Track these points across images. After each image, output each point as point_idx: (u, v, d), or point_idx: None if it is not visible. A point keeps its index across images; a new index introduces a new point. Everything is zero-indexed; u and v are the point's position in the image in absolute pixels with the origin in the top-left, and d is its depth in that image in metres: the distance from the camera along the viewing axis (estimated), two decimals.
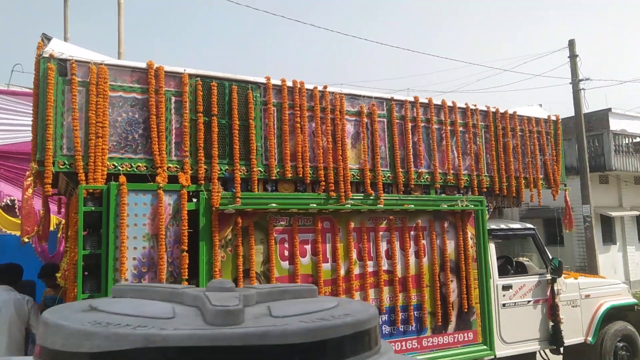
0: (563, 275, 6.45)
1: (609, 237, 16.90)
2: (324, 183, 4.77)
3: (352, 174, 4.95)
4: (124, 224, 3.87)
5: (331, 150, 4.84)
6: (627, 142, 16.57)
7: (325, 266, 4.73)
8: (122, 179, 3.94)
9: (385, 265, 5.00)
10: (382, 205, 4.97)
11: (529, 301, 5.96)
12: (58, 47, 4.09)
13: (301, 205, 4.64)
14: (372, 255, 4.96)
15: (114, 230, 3.85)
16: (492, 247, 5.87)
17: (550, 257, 6.22)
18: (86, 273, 3.82)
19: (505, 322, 5.73)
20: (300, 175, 4.69)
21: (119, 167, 4.06)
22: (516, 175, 5.97)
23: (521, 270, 6.40)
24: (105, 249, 3.83)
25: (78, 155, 3.90)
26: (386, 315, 4.95)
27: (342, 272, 4.78)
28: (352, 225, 4.90)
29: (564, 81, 14.99)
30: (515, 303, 5.86)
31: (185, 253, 4.04)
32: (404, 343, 5.01)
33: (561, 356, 6.61)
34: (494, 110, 5.91)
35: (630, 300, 6.75)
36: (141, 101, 4.19)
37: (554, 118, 6.40)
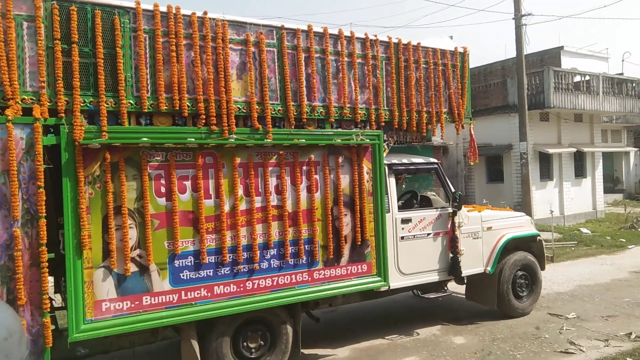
0: (467, 209, 6.57)
1: (546, 174, 17.38)
2: (204, 116, 4.57)
3: (238, 107, 4.76)
4: None
5: (212, 82, 4.61)
6: (568, 80, 16.73)
7: (208, 202, 4.62)
8: None
9: (274, 201, 4.93)
10: (270, 140, 4.83)
11: (428, 234, 6.06)
12: None
13: (178, 140, 4.45)
14: (260, 190, 4.87)
15: None
16: (391, 182, 5.87)
17: (453, 190, 6.27)
18: None
19: (403, 254, 5.83)
20: (177, 108, 4.47)
21: None
22: (418, 109, 5.88)
23: (426, 204, 6.46)
24: None
25: None
26: (275, 250, 4.93)
27: (226, 208, 4.69)
28: (238, 160, 4.76)
29: (509, 16, 14.77)
30: (414, 236, 5.95)
31: (41, 189, 3.84)
32: (294, 276, 5.03)
33: (464, 286, 6.85)
34: (396, 41, 5.72)
35: (532, 231, 6.96)
36: None
37: (461, 50, 6.27)
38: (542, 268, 7.03)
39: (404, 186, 6.98)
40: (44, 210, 3.86)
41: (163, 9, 4.44)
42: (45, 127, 3.98)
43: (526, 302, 6.80)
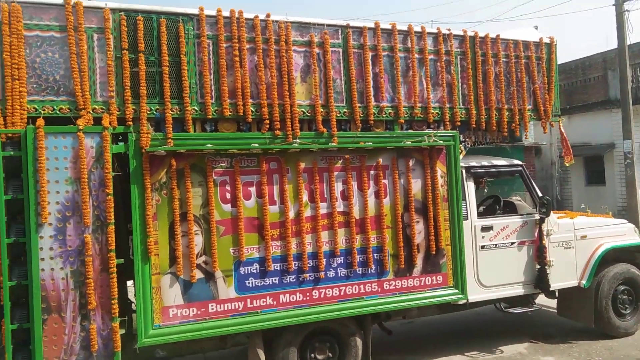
0: (556, 215, 5.98)
1: None
2: (268, 121, 4.49)
3: (302, 111, 4.63)
4: (43, 168, 3.79)
5: (276, 85, 4.52)
6: None
7: (273, 209, 4.52)
8: (40, 122, 3.83)
9: (340, 207, 4.73)
10: (335, 144, 4.65)
11: (512, 243, 5.56)
12: None
13: (242, 146, 4.39)
14: (325, 196, 4.70)
15: (33, 174, 3.78)
16: (469, 186, 5.45)
17: (540, 195, 5.71)
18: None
19: (483, 265, 5.39)
20: (241, 114, 4.43)
21: (40, 110, 3.94)
22: (498, 107, 5.43)
23: (510, 210, 5.95)
24: (26, 194, 3.78)
25: None
26: (342, 258, 4.73)
27: (291, 214, 4.57)
28: (302, 165, 4.63)
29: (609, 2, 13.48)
30: (496, 245, 5.48)
31: (110, 196, 3.93)
32: (362, 286, 4.80)
33: (556, 300, 6.22)
34: (471, 34, 5.32)
35: (636, 241, 6.17)
36: (60, 40, 4.00)
37: (547, 40, 5.72)
38: None
39: (485, 191, 6.50)
40: (113, 217, 3.95)
41: (226, 13, 4.42)
42: (114, 136, 4.09)
43: (630, 320, 6.03)
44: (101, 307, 3.90)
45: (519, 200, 6.19)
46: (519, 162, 5.81)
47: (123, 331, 4.05)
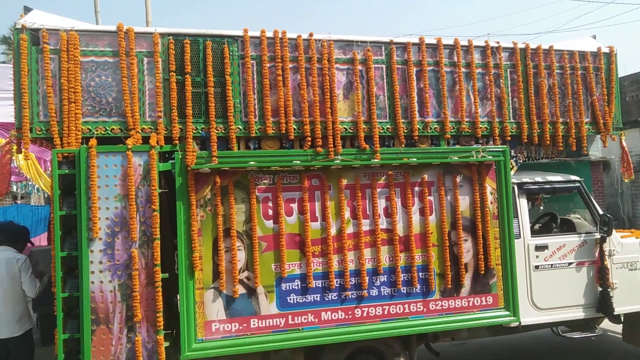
0: (620, 234, 5.60)
1: None
2: (310, 139, 4.52)
3: (344, 128, 4.62)
4: (95, 185, 3.99)
5: (318, 103, 4.55)
6: None
7: (314, 225, 4.52)
8: (92, 142, 4.05)
9: (383, 224, 4.66)
10: (377, 160, 4.60)
11: (570, 263, 5.25)
12: (37, 18, 4.24)
13: (283, 163, 4.44)
14: (367, 213, 4.64)
15: (85, 191, 3.99)
16: (522, 203, 5.22)
17: (601, 212, 5.38)
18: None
19: (538, 286, 5.13)
20: (283, 131, 4.48)
21: (94, 131, 4.16)
22: (552, 121, 5.18)
23: (568, 228, 5.64)
24: (79, 210, 3.99)
25: (53, 121, 4.06)
26: (385, 276, 4.64)
27: (332, 231, 4.54)
28: (345, 182, 4.61)
29: None
30: (551, 265, 5.19)
31: (156, 213, 4.08)
32: (407, 306, 4.68)
33: (621, 326, 5.80)
34: (522, 46, 5.14)
35: None
36: (113, 64, 4.23)
37: (606, 50, 5.42)
38: None
39: (541, 208, 6.20)
40: (159, 233, 4.08)
41: (269, 34, 4.52)
42: (161, 154, 4.25)
43: None
44: (146, 320, 4.03)
45: (578, 218, 5.86)
46: (577, 178, 5.50)
47: (167, 344, 4.15)
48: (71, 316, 3.97)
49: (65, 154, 4.03)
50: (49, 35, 4.12)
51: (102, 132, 4.18)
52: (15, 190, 15.75)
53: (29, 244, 5.24)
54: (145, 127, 4.25)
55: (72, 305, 3.96)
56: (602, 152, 14.49)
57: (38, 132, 4.08)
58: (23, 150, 4.04)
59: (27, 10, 4.31)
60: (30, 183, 8.85)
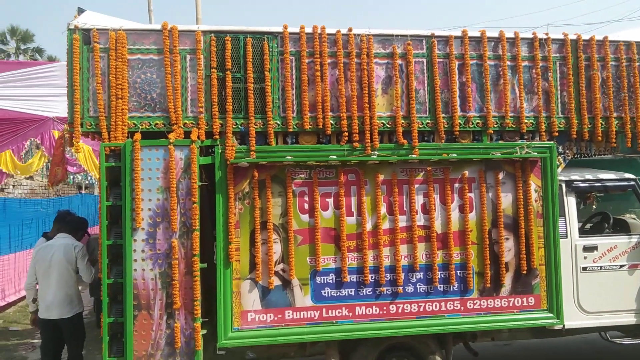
0: None
1: None
2: (347, 133, 4.53)
3: (382, 123, 4.59)
4: (138, 178, 4.18)
5: (356, 98, 4.54)
6: None
7: (350, 220, 4.54)
8: (137, 136, 4.24)
9: (420, 220, 4.61)
10: (416, 155, 4.55)
11: (621, 265, 4.99)
12: (89, 19, 4.48)
13: (320, 158, 4.47)
14: (405, 209, 4.60)
15: (130, 183, 4.19)
16: (570, 201, 5.00)
17: None
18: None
19: (585, 288, 4.91)
20: (321, 127, 4.51)
21: (139, 125, 4.36)
22: (605, 115, 4.92)
23: (621, 229, 5.35)
24: (124, 200, 4.20)
25: (102, 116, 4.29)
26: (421, 273, 4.60)
27: (368, 226, 4.54)
28: (381, 177, 4.59)
29: None
30: (601, 267, 4.96)
31: (195, 205, 4.22)
32: (443, 304, 4.61)
33: None
34: (573, 37, 4.90)
35: None
36: (158, 62, 4.40)
37: None
38: None
39: (594, 207, 5.91)
40: (198, 224, 4.23)
41: (309, 30, 4.55)
42: (202, 148, 4.39)
43: None
44: (185, 308, 4.19)
45: (634, 219, 5.54)
46: (631, 176, 5.20)
47: (205, 331, 4.31)
48: (116, 301, 4.19)
49: (112, 148, 4.25)
50: (99, 35, 4.34)
51: (147, 127, 4.36)
52: (80, 180, 16.79)
53: (86, 235, 5.57)
54: (187, 122, 4.41)
55: (117, 291, 4.19)
56: None
57: (88, 127, 4.32)
58: (74, 143, 4.28)
59: (80, 11, 4.56)
60: (90, 174, 9.38)
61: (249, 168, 4.42)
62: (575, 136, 4.89)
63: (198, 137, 4.33)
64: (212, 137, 4.42)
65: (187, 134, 4.38)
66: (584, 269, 4.93)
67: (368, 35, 4.62)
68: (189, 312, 4.20)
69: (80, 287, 5.27)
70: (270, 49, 4.50)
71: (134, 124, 4.35)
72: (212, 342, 4.50)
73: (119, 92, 4.29)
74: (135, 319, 4.12)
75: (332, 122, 4.53)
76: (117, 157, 4.25)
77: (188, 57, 4.44)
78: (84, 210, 12.76)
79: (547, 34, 4.88)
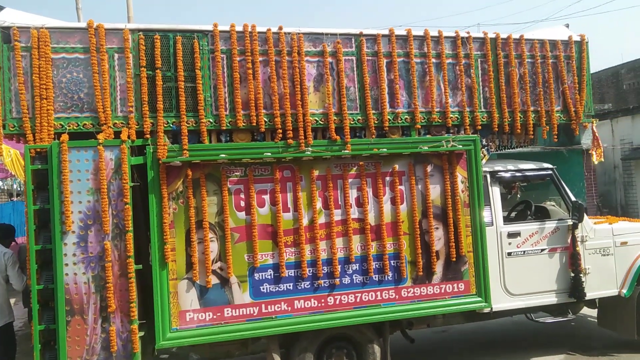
0: (593, 221, 5.69)
1: None
2: (281, 131, 4.60)
3: (315, 119, 4.70)
4: (67, 180, 4.08)
5: (289, 96, 4.62)
6: None
7: (286, 216, 4.61)
8: (64, 137, 4.13)
9: (355, 214, 4.75)
10: (348, 151, 4.68)
11: (542, 249, 5.34)
12: (9, 17, 4.31)
13: (255, 155, 4.52)
14: (339, 203, 4.73)
15: (58, 185, 4.07)
16: (494, 191, 5.30)
17: (573, 199, 5.46)
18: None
19: (510, 272, 5.22)
20: (254, 124, 4.56)
21: (66, 126, 4.24)
22: (523, 109, 5.25)
23: (542, 216, 5.72)
24: (52, 204, 4.08)
25: (25, 118, 4.15)
26: (357, 265, 4.74)
27: (304, 221, 4.63)
28: (316, 173, 4.69)
29: None
30: (524, 252, 5.29)
31: (128, 206, 4.17)
32: (379, 293, 4.77)
33: (596, 310, 5.91)
34: (492, 36, 5.19)
35: None
36: (84, 61, 4.30)
37: (577, 39, 5.47)
38: None
39: (518, 196, 6.28)
40: (131, 225, 4.18)
41: (239, 28, 4.58)
42: (133, 148, 4.33)
43: None
44: (120, 310, 4.13)
45: (553, 206, 5.94)
46: (549, 166, 5.58)
47: (142, 333, 4.26)
48: (47, 308, 4.07)
49: (38, 150, 4.12)
50: (20, 33, 4.19)
51: (75, 128, 4.26)
52: (11, 186, 15.94)
53: (14, 243, 5.36)
54: (117, 121, 4.33)
55: (48, 297, 4.06)
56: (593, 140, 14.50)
57: (11, 129, 4.17)
58: None
59: None
60: (21, 180, 8.94)
61: (182, 167, 4.41)
62: (497, 129, 5.19)
63: (129, 137, 4.27)
64: (143, 136, 4.37)
65: (117, 134, 4.31)
66: (509, 254, 5.24)
67: (298, 33, 4.71)
68: (125, 315, 4.14)
69: (13, 300, 5.07)
70: (201, 47, 4.50)
71: (60, 124, 4.23)
72: (150, 345, 4.45)
73: (44, 92, 4.16)
74: (68, 324, 4.02)
75: (265, 119, 4.59)
76: (43, 160, 4.12)
77: (116, 55, 4.36)
78: (17, 218, 12.10)
79: (468, 32, 5.16)
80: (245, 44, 4.57)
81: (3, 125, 4.14)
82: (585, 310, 6.09)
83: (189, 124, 4.44)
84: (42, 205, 4.10)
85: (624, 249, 5.54)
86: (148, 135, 4.36)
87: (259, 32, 4.62)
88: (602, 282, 5.45)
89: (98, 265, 4.11)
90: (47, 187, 4.12)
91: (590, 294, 5.34)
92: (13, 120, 4.17)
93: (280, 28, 4.68)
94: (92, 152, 4.16)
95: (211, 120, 4.51)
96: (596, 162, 5.73)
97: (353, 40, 4.86)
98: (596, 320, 6.06)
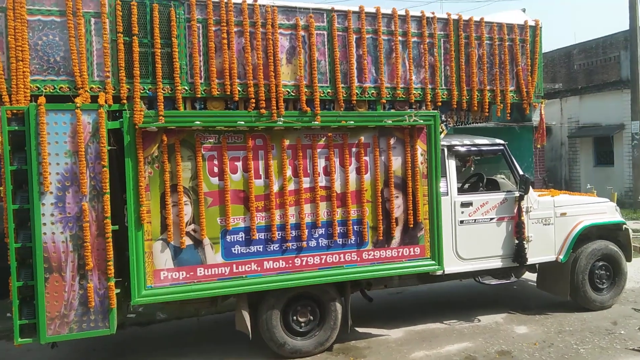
0: (537, 193, 6.21)
1: None
2: (254, 100, 4.80)
3: (287, 91, 4.92)
4: (45, 142, 4.17)
5: (262, 67, 4.81)
6: None
7: (258, 182, 4.86)
8: (41, 99, 4.20)
9: (322, 182, 5.05)
10: (318, 122, 4.94)
11: (491, 218, 5.82)
12: None
13: (228, 123, 4.72)
14: (308, 171, 5.01)
15: (35, 147, 4.16)
16: (451, 164, 5.71)
17: (521, 173, 5.94)
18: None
19: (462, 239, 5.68)
20: (229, 93, 4.74)
21: (42, 89, 4.30)
22: (480, 88, 5.63)
23: (493, 187, 6.20)
24: (29, 165, 4.17)
25: (1, 79, 4.18)
26: (323, 229, 5.07)
27: (275, 188, 4.90)
28: (287, 142, 4.94)
29: None
30: (475, 220, 5.75)
31: (105, 169, 4.31)
32: (342, 255, 5.14)
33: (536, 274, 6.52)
34: (455, 17, 5.51)
35: (615, 219, 6.37)
36: (60, 24, 4.34)
37: (532, 23, 5.87)
38: (628, 259, 6.43)
39: (472, 169, 6.74)
40: (108, 187, 4.33)
41: None
42: (110, 113, 4.45)
43: (606, 295, 6.28)
44: (98, 268, 4.32)
45: (503, 179, 6.43)
46: (501, 141, 6.03)
47: (119, 291, 4.47)
48: (25, 265, 4.21)
49: (15, 111, 4.17)
50: None
51: (51, 91, 4.32)
52: None
53: None
54: (94, 86, 4.42)
55: (26, 255, 4.20)
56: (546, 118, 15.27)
57: None
58: None
59: None
60: None
61: (157, 132, 4.56)
62: (455, 106, 5.56)
63: (106, 102, 4.38)
64: (119, 101, 4.48)
65: (94, 99, 4.40)
66: (461, 222, 5.70)
67: (273, 6, 4.87)
68: (102, 273, 4.33)
69: None
70: (177, 16, 4.61)
71: (37, 87, 4.29)
72: (125, 302, 4.67)
73: (19, 54, 4.20)
74: (46, 281, 4.18)
75: (239, 89, 4.77)
76: (20, 121, 4.19)
77: (93, 20, 4.41)
78: None
79: (433, 13, 5.44)
80: (221, 14, 4.71)
81: None
82: (527, 275, 6.68)
83: (164, 90, 4.58)
84: (20, 166, 4.18)
85: (563, 220, 6.10)
86: (124, 101, 4.47)
87: (234, 3, 4.75)
88: (542, 249, 6.01)
89: (76, 225, 4.26)
90: (24, 148, 4.20)
91: (531, 260, 5.89)
92: None
93: (256, 0, 4.82)
94: (70, 116, 4.26)
95: (186, 88, 4.65)
96: (539, 147, 6.22)
97: (325, 15, 5.06)
98: (535, 283, 6.67)
